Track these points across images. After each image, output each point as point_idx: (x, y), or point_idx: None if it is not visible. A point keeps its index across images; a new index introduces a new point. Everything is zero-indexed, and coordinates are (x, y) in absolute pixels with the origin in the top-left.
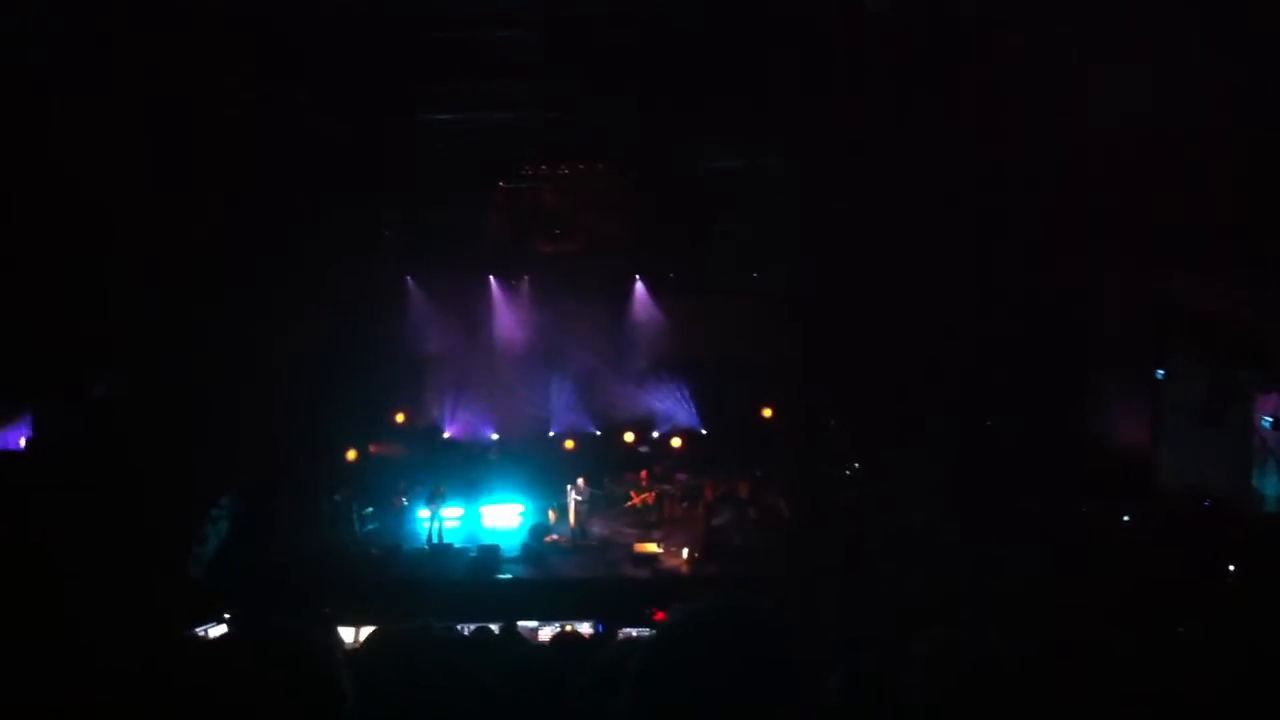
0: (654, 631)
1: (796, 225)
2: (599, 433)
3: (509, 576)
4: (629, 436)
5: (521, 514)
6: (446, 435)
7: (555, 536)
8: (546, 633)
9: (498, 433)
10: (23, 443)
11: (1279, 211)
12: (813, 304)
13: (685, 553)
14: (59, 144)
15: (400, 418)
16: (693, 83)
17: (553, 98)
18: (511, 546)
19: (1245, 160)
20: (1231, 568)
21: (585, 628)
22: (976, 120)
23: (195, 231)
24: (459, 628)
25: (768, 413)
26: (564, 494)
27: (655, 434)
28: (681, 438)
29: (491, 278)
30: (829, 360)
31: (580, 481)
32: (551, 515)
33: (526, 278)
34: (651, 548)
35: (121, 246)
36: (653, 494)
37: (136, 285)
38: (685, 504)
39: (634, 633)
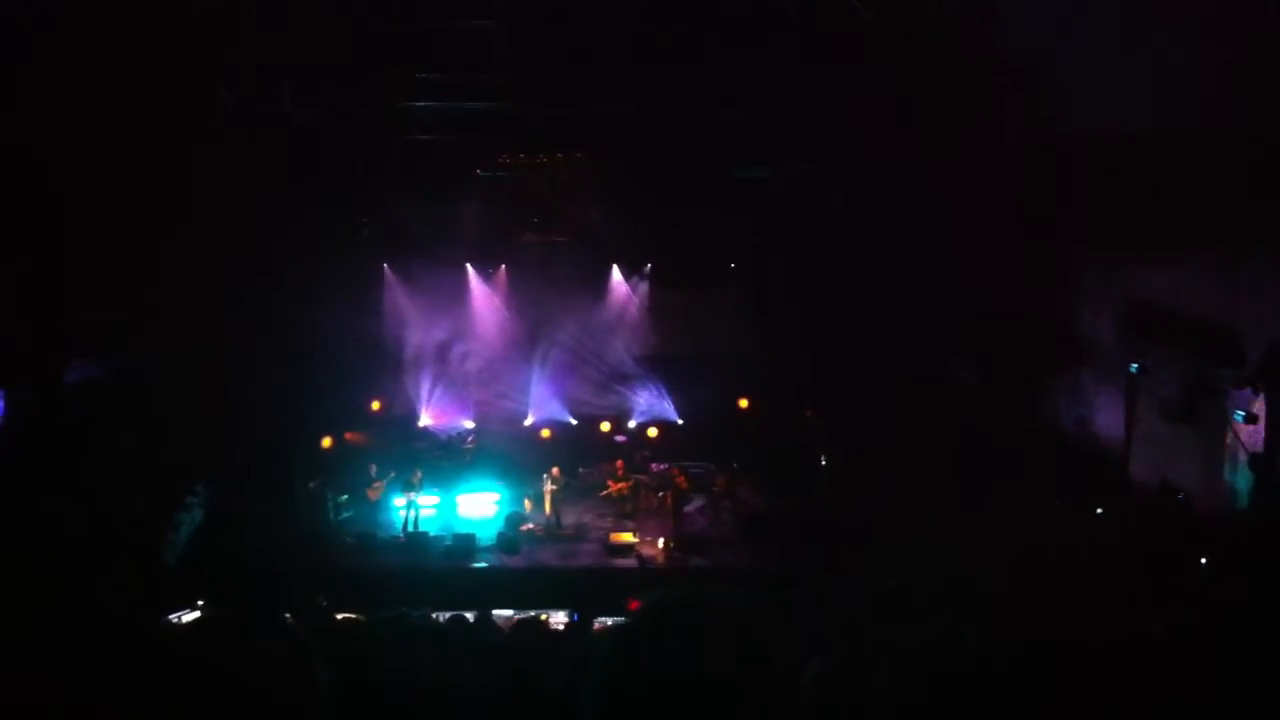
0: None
1: (784, 220)
2: (575, 422)
3: (484, 565)
4: (605, 426)
5: (497, 503)
6: (423, 424)
7: (531, 525)
8: None
9: (474, 421)
10: None
11: (1254, 208)
12: (795, 296)
13: (660, 543)
14: (36, 134)
15: (376, 406)
16: (680, 75)
17: (531, 87)
18: (487, 535)
19: (1223, 158)
20: (1203, 561)
21: (560, 616)
22: (959, 118)
23: (172, 222)
24: (434, 616)
25: (744, 404)
26: (540, 483)
27: (631, 424)
28: (658, 428)
29: (469, 267)
30: (807, 352)
31: (556, 471)
32: (527, 504)
33: (504, 267)
34: (627, 537)
35: (98, 236)
36: (628, 484)
37: (112, 274)
38: (660, 494)
39: (609, 622)
